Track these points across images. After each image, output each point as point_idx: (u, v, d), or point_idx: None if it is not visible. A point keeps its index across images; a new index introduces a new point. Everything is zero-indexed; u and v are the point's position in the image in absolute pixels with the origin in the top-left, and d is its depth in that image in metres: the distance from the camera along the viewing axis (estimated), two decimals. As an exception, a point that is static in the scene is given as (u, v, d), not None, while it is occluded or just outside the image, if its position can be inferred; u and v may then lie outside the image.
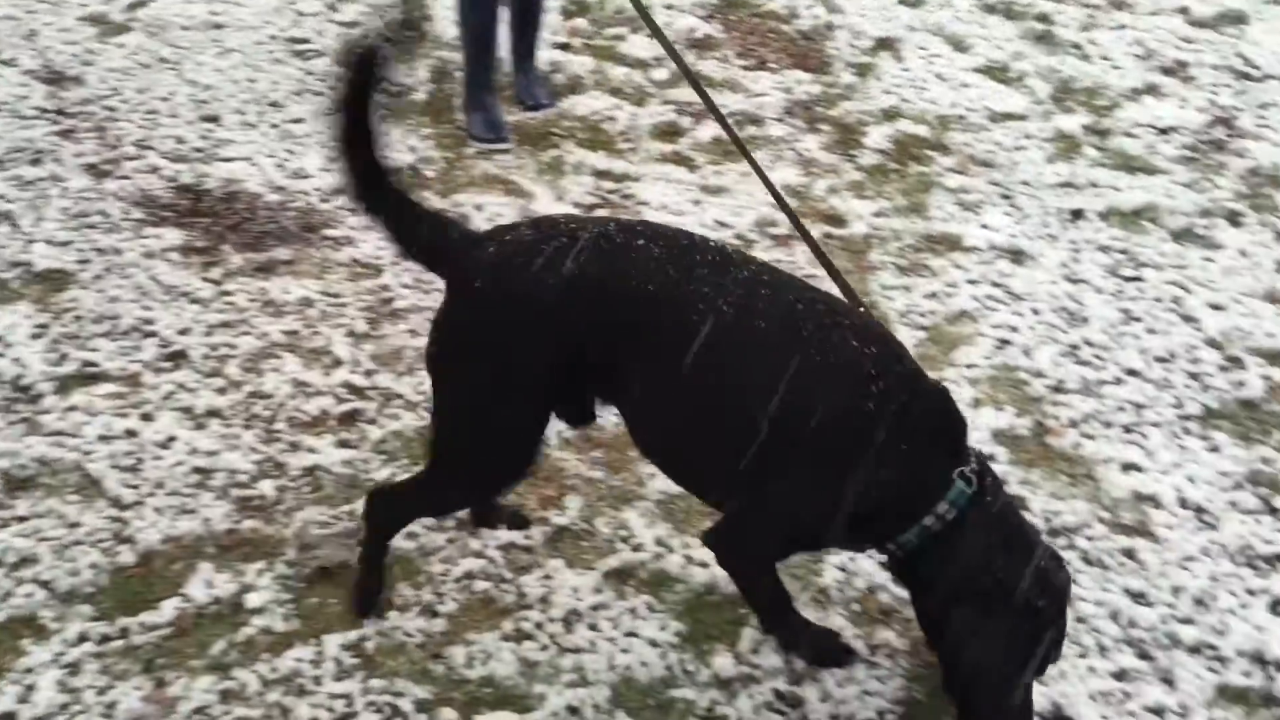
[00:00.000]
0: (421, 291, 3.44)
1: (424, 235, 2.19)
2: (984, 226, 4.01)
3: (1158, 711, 2.41)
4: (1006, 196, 4.18)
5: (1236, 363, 3.43)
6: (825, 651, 2.45)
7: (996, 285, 3.72)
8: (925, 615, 2.16)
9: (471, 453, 2.22)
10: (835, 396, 2.01)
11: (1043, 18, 5.47)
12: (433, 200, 3.89)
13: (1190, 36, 5.38)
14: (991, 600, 2.01)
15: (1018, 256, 3.86)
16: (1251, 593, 2.71)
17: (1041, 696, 2.37)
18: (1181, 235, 4.02)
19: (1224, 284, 3.78)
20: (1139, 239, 3.97)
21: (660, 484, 2.86)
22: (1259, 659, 2.55)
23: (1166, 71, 5.08)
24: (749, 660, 2.45)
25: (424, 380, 3.09)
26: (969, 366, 3.36)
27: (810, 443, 2.02)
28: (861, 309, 2.25)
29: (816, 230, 3.87)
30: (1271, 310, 3.66)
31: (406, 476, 2.54)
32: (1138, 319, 3.61)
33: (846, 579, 2.65)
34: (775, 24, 5.25)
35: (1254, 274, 3.83)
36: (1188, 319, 3.61)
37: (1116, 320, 3.59)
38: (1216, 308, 3.66)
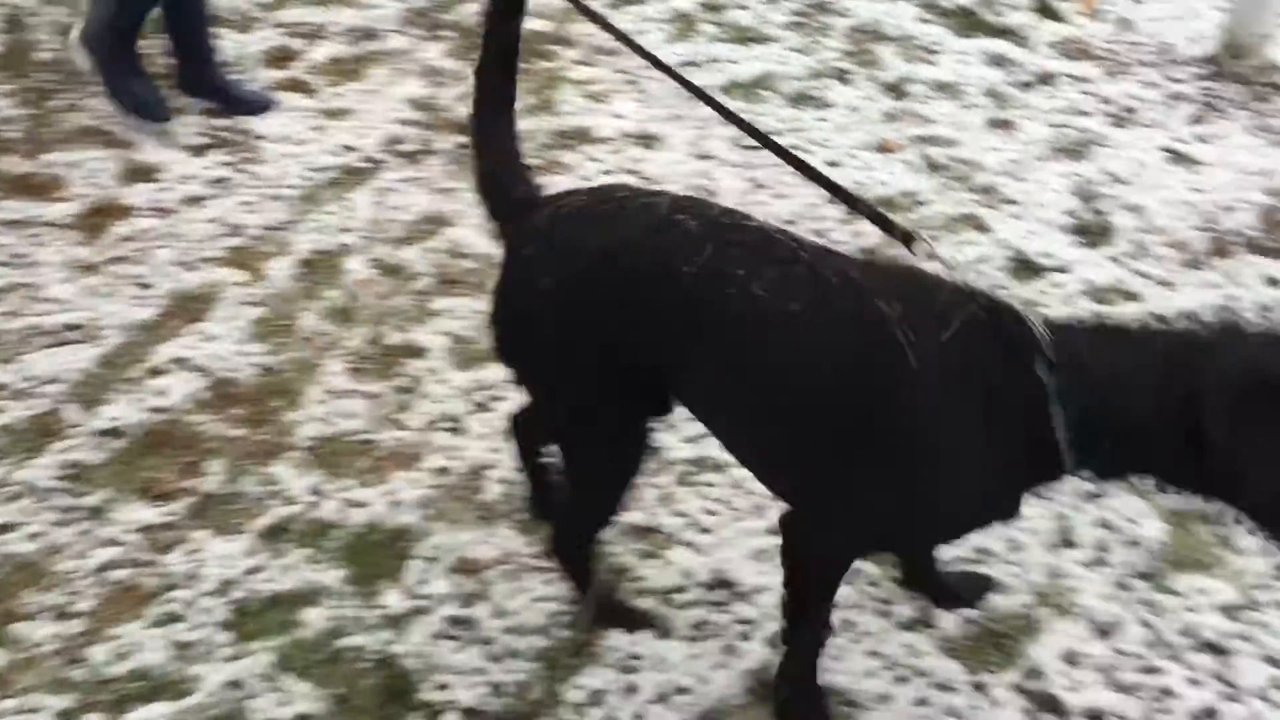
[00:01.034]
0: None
1: (497, 183, 2.08)
2: (614, 115, 4.02)
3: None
4: (632, 83, 4.21)
5: (851, 218, 3.61)
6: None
7: (630, 172, 3.75)
8: (1210, 476, 1.73)
9: (580, 443, 2.11)
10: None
11: (650, -102, 5.49)
12: (20, 166, 3.53)
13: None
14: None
15: (648, 140, 3.91)
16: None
17: (701, 566, 2.46)
18: (797, 99, 4.18)
19: (838, 140, 3.96)
20: (759, 108, 4.10)
21: (310, 430, 2.75)
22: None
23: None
24: (417, 592, 2.41)
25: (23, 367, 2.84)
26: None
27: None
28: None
29: (449, 141, 3.78)
30: (881, 159, 3.87)
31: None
32: (764, 186, 3.73)
33: (510, 491, 2.63)
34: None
35: (864, 128, 4.04)
36: (805, 181, 3.76)
37: (745, 190, 3.71)
38: (833, 164, 3.84)
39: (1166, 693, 2.29)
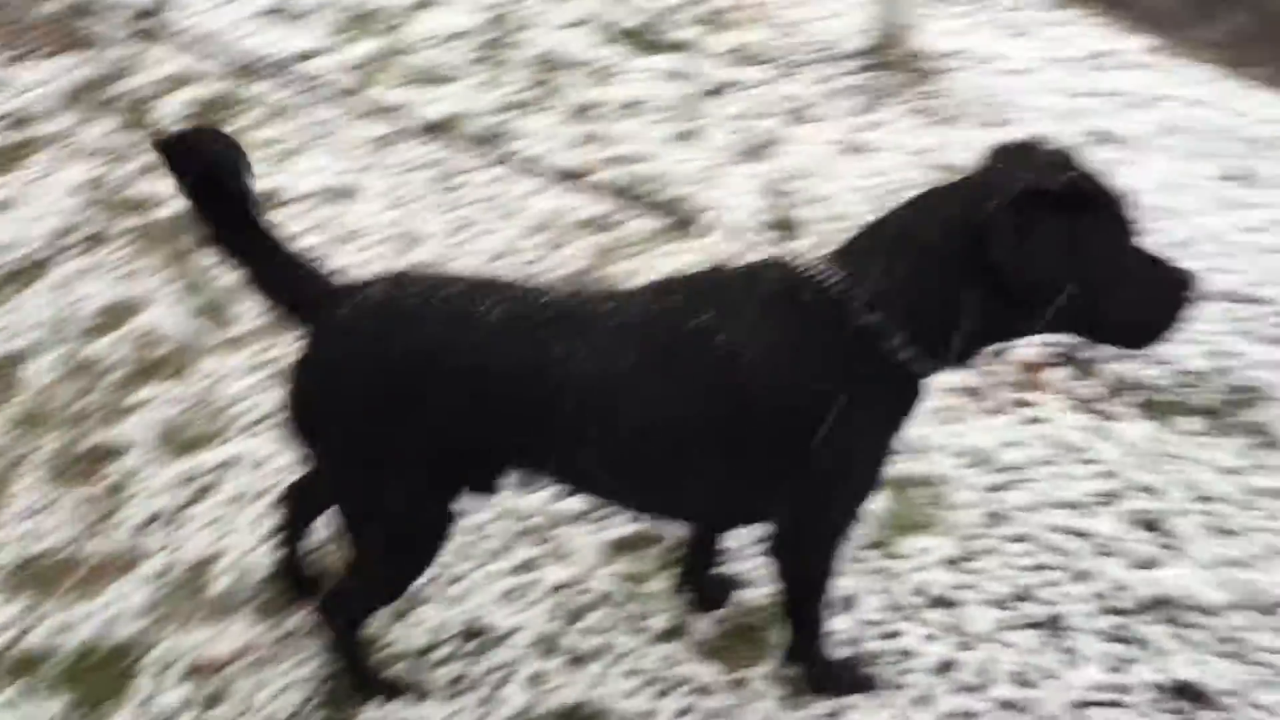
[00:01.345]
0: None
1: (287, 283, 1.99)
2: (304, 173, 3.92)
3: (558, 587, 2.53)
4: (321, 137, 4.11)
5: (560, 243, 3.66)
6: (853, 680, 2.32)
7: (328, 230, 3.66)
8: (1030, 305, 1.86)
9: (380, 534, 2.05)
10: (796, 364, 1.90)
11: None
12: None
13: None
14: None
15: (343, 194, 3.83)
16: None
17: (453, 619, 2.42)
18: (487, 134, 4.19)
19: (534, 169, 4.00)
20: (453, 146, 4.09)
21: (7, 554, 2.53)
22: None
23: (441, -20, 5.24)
24: (151, 708, 2.25)
25: None
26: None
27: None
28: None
29: (126, 222, 3.58)
30: (576, 184, 3.93)
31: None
32: (470, 224, 3.72)
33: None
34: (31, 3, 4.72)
35: (556, 155, 4.09)
36: (510, 214, 3.79)
37: (451, 231, 3.68)
38: (534, 194, 3.86)
39: (906, 653, 2.41)
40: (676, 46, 4.86)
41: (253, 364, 3.10)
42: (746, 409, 1.90)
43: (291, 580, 2.44)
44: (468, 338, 1.91)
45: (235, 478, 2.76)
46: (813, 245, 3.67)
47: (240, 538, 2.61)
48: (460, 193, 3.87)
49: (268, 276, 2.01)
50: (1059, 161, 1.88)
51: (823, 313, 1.89)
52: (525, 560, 2.55)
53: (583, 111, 4.36)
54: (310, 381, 1.99)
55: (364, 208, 3.77)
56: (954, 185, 1.92)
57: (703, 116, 4.38)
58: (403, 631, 2.42)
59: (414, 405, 1.92)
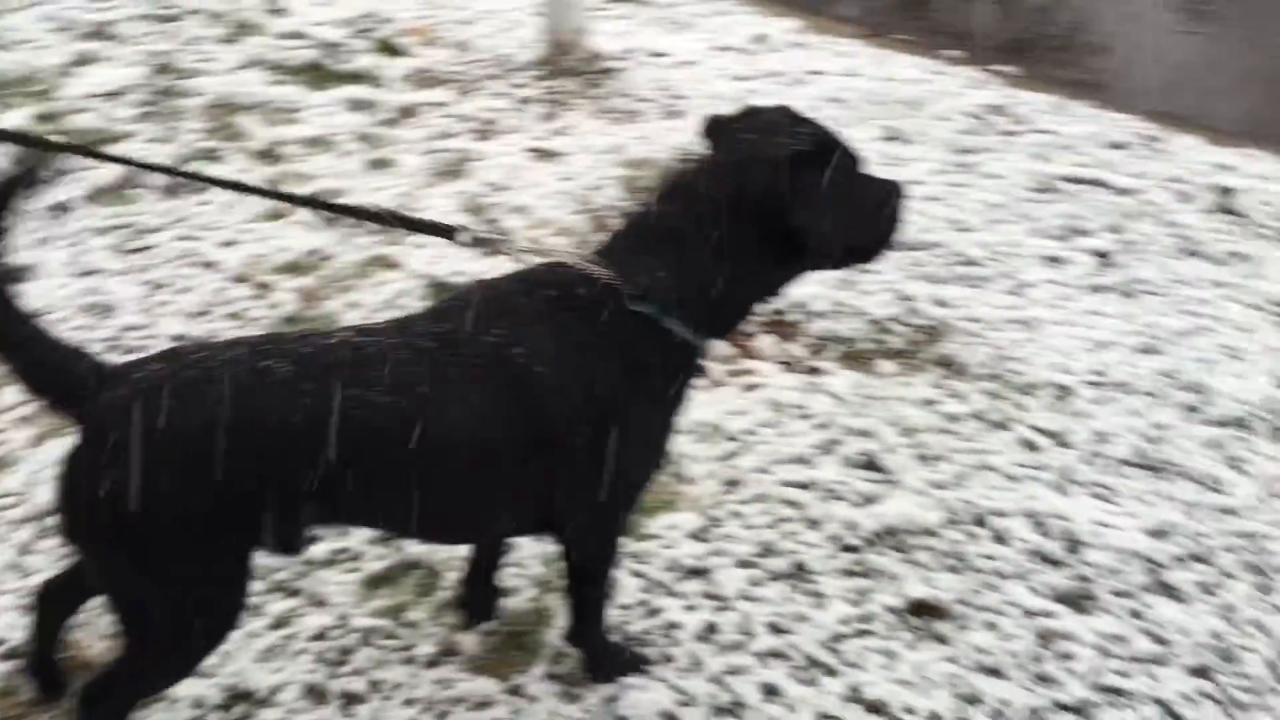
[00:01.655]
0: None
1: (51, 370, 1.84)
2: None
3: (319, 634, 2.49)
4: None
5: (266, 287, 3.57)
6: (626, 662, 2.39)
7: (8, 312, 3.41)
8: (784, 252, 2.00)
9: (173, 615, 1.91)
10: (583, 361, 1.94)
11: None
12: None
13: (102, -5, 5.33)
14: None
15: (18, 272, 3.58)
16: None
17: (212, 688, 2.33)
18: (171, 189, 4.02)
19: (228, 220, 3.87)
20: (134, 209, 3.90)
21: None
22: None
23: (91, 36, 4.97)
24: None
25: None
26: (12, 407, 3.06)
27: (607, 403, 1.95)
28: None
29: None
30: (274, 226, 3.84)
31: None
32: (164, 286, 3.56)
33: None
34: None
35: (248, 201, 3.98)
36: (208, 265, 3.66)
37: (145, 294, 3.52)
38: (230, 243, 3.75)
39: (671, 626, 2.51)
40: (354, 77, 4.82)
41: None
42: (543, 417, 1.93)
43: (46, 679, 2.28)
44: (253, 399, 1.83)
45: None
46: (520, 252, 3.74)
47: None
48: (151, 252, 3.71)
49: (31, 363, 1.86)
50: (784, 121, 2.03)
51: (600, 309, 1.95)
52: (280, 614, 2.49)
53: (269, 153, 4.26)
54: (93, 469, 1.83)
55: (45, 283, 3.54)
56: (700, 167, 2.03)
57: (392, 143, 4.37)
58: (163, 715, 2.31)
59: (207, 476, 1.82)
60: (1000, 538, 2.77)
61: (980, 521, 2.81)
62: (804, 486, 2.89)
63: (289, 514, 1.92)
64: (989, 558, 2.71)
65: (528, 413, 1.92)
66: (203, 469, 1.81)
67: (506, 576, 2.60)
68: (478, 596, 2.51)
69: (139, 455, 1.80)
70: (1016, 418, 3.14)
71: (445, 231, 2.11)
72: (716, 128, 2.07)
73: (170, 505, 1.82)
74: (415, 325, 1.99)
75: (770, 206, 1.92)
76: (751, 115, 2.07)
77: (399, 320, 2.05)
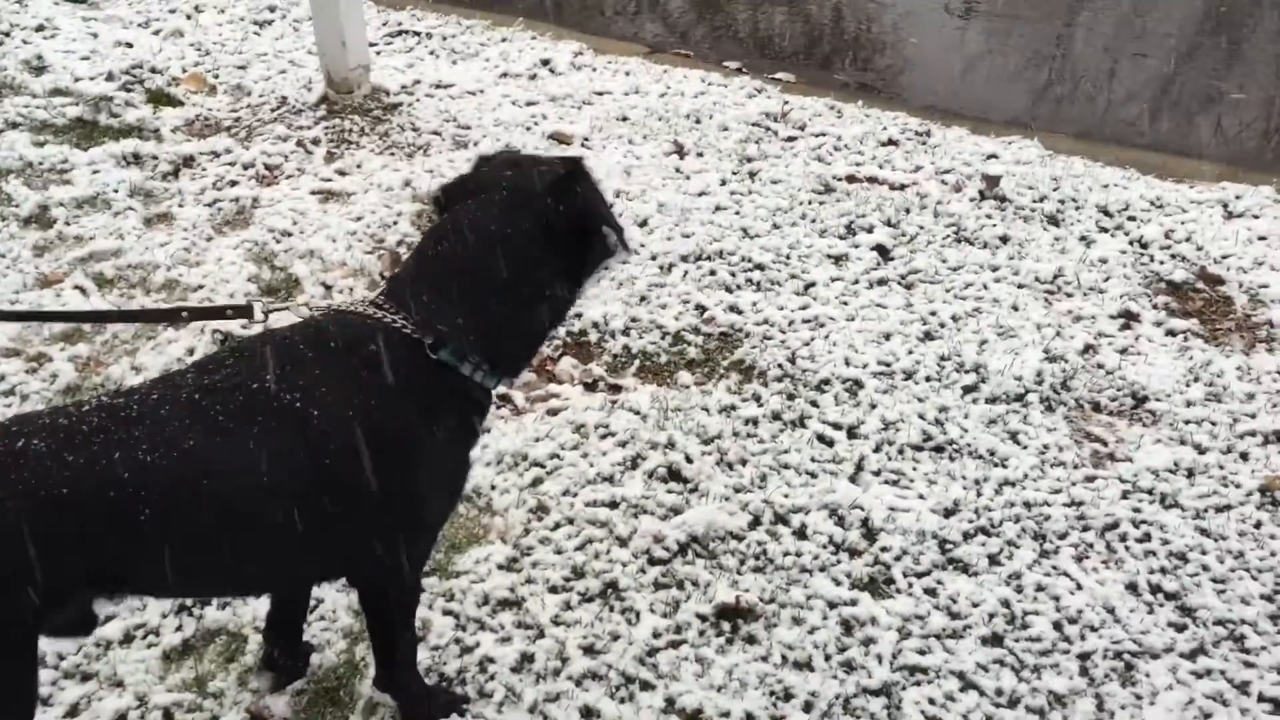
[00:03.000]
0: None
1: None
2: None
3: (120, 717, 2.39)
4: None
5: (42, 358, 3.40)
6: (445, 703, 2.39)
7: None
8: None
9: None
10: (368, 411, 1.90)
11: None
12: None
13: None
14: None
15: None
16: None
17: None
18: (-70, 265, 3.81)
19: (-5, 292, 3.69)
20: (-111, 288, 3.67)
21: None
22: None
23: None
24: None
25: None
26: None
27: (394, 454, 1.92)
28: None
29: None
30: (50, 295, 3.66)
31: None
32: None
33: None
34: None
35: (17, 269, 3.79)
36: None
37: None
38: (-1, 317, 3.57)
39: (488, 659, 2.50)
40: (126, 131, 4.65)
41: None
42: (334, 465, 1.89)
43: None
44: (8, 479, 1.73)
45: None
46: (312, 298, 3.68)
47: None
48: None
49: None
50: (521, 155, 2.24)
51: (391, 356, 1.93)
52: (74, 701, 2.38)
53: (39, 217, 4.07)
54: None
55: None
56: (479, 205, 2.04)
57: (170, 196, 4.23)
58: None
59: (28, 552, 1.72)
60: (801, 533, 2.86)
61: (782, 520, 2.90)
62: (611, 505, 2.93)
63: (67, 591, 1.82)
64: (793, 554, 2.80)
65: (310, 457, 1.88)
66: (19, 547, 1.71)
67: (314, 631, 2.55)
68: (285, 655, 2.45)
69: None
70: (811, 414, 3.24)
71: (244, 312, 2.12)
72: (454, 188, 2.13)
73: None
74: (178, 379, 1.92)
75: (567, 217, 2.02)
76: (485, 161, 2.16)
77: (160, 377, 1.98)
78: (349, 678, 2.46)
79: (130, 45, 5.37)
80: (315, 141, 4.61)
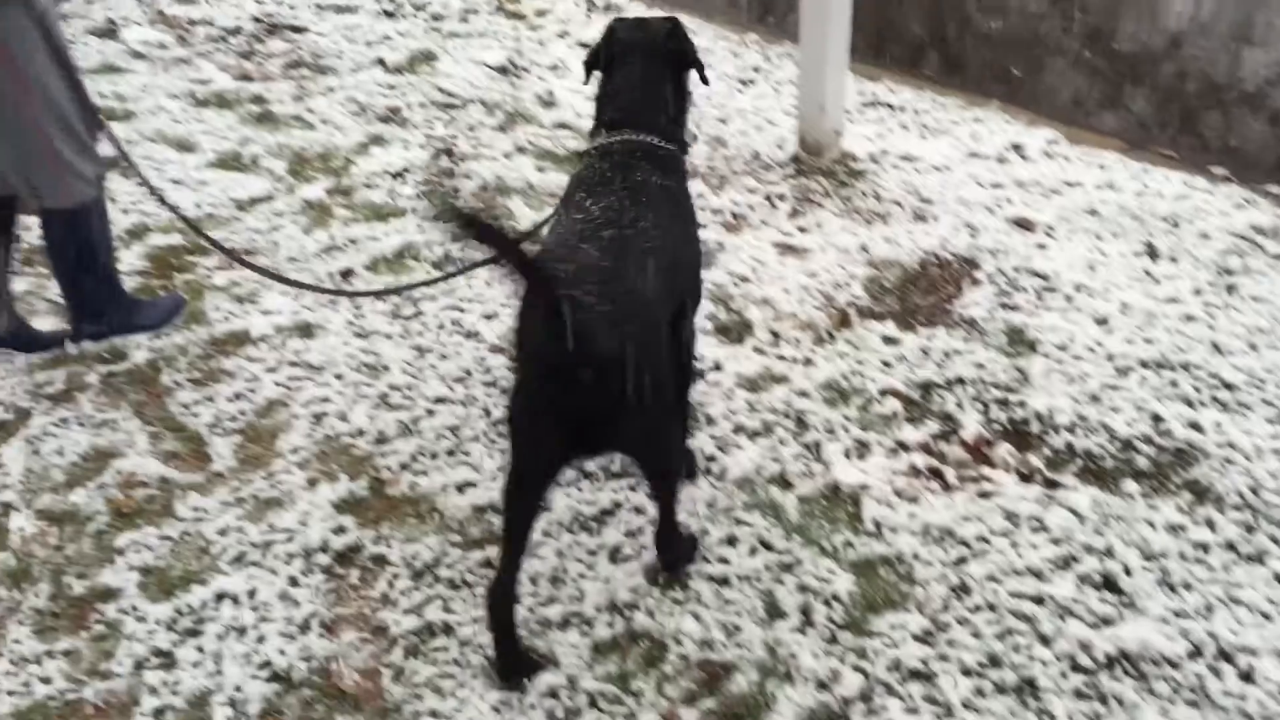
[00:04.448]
0: None
1: None
2: (265, 313, 4.03)
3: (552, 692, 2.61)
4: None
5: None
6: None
7: (295, 365, 3.77)
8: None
9: None
10: None
11: (257, 99, 5.61)
12: None
13: (392, 83, 5.83)
14: None
15: (307, 330, 3.94)
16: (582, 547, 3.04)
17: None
18: (441, 263, 4.35)
19: (489, 295, 4.15)
20: (408, 277, 4.24)
21: (13, 701, 2.56)
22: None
23: (384, 120, 5.46)
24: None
25: None
26: (293, 451, 3.37)
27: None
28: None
29: (98, 372, 3.67)
30: (533, 304, 4.08)
31: None
32: (429, 350, 3.85)
33: None
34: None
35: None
36: (470, 335, 3.93)
37: (412, 357, 3.81)
38: (491, 316, 4.01)
39: (882, 714, 2.51)
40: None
41: (230, 500, 3.18)
42: (680, 209, 2.96)
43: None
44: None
45: (223, 613, 2.82)
46: (763, 343, 3.84)
47: (234, 670, 2.66)
48: (419, 320, 4.01)
49: None
50: (645, 20, 3.14)
51: (669, 157, 2.94)
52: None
53: (534, 233, 4.54)
54: None
55: (328, 340, 3.89)
56: (640, 59, 2.99)
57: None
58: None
59: None
60: (1248, 676, 2.63)
61: (1227, 656, 2.68)
62: (1037, 600, 2.84)
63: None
64: (1235, 695, 2.59)
65: (674, 209, 2.85)
66: None
67: (730, 656, 2.65)
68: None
69: None
70: (1272, 551, 2.98)
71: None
72: (603, 49, 3.04)
73: None
74: (600, 189, 2.76)
75: (677, 51, 3.06)
76: (614, 30, 3.05)
77: (583, 193, 2.77)
78: (756, 711, 2.54)
79: (627, 91, 5.87)
80: (781, 197, 4.82)
